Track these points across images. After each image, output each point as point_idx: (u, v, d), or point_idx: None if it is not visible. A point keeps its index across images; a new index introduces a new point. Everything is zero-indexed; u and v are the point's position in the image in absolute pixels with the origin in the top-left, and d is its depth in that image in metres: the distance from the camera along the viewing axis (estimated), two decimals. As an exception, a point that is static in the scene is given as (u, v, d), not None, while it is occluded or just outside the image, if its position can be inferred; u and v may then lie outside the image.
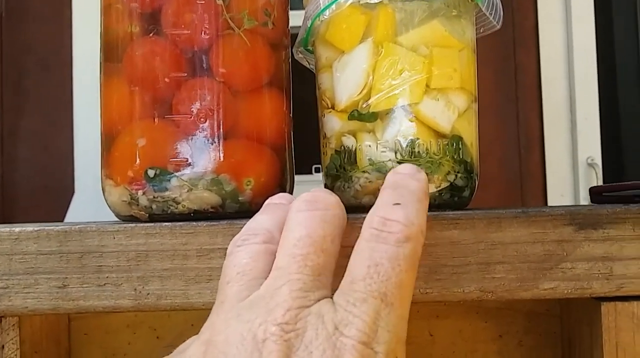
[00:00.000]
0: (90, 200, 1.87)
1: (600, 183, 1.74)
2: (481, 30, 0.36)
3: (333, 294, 0.22)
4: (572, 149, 1.82)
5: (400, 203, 0.24)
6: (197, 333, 0.37)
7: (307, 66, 0.40)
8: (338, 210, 0.24)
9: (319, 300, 0.22)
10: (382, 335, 0.21)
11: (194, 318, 0.36)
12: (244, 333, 0.21)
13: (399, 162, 0.31)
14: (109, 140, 0.32)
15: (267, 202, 0.27)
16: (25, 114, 1.90)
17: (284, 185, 0.34)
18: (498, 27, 0.35)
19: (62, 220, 1.83)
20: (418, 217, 0.24)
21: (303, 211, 0.24)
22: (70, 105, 1.90)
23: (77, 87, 1.89)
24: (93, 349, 0.35)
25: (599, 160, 1.77)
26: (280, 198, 0.28)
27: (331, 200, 0.24)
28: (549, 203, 1.68)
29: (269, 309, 0.21)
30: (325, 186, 0.35)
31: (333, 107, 0.33)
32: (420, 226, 0.24)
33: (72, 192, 1.91)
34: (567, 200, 1.71)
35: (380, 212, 0.24)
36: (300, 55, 0.39)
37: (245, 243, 0.25)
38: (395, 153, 0.31)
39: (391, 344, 0.21)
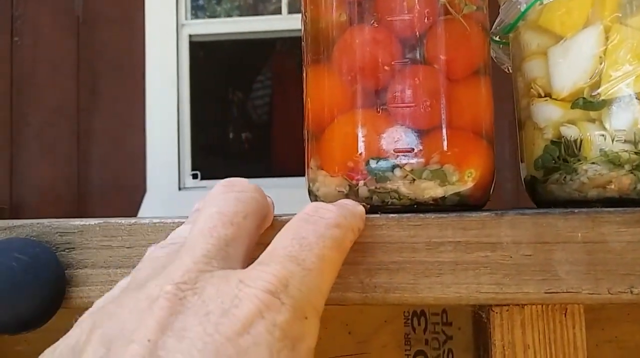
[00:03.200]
0: (162, 199, 1.91)
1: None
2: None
3: None
4: None
5: (337, 206, 0.25)
6: (389, 330, 0.36)
7: (492, 56, 0.38)
8: (256, 194, 0.24)
9: (224, 269, 0.20)
10: (293, 290, 0.19)
11: (387, 314, 0.35)
12: (140, 296, 0.19)
13: (637, 153, 0.29)
14: (319, 130, 0.31)
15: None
16: (99, 114, 1.96)
17: (493, 178, 0.32)
18: None
19: (133, 218, 1.88)
20: (352, 218, 0.24)
21: (218, 193, 0.24)
22: (142, 106, 1.95)
23: (149, 89, 1.94)
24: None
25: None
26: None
27: (247, 184, 0.24)
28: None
29: (168, 273, 0.20)
30: (534, 179, 0.33)
31: (549, 96, 0.32)
32: (351, 225, 0.24)
33: (144, 191, 1.96)
34: None
35: (315, 203, 0.24)
36: (487, 44, 0.37)
37: (164, 249, 0.24)
38: (635, 144, 0.29)
39: (301, 301, 0.20)
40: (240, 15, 2.12)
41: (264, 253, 0.22)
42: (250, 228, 0.23)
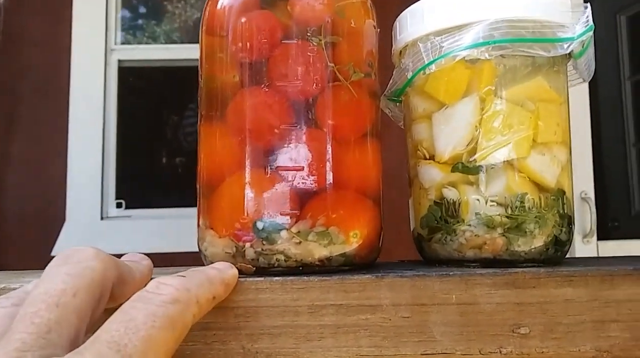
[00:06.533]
0: (81, 230, 1.82)
1: (594, 217, 1.79)
2: (568, 84, 0.36)
3: None
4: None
5: (185, 276, 0.24)
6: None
7: (388, 114, 0.40)
8: (94, 262, 0.23)
9: None
10: None
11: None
12: None
13: (508, 217, 0.31)
14: (210, 190, 0.31)
15: None
16: (17, 140, 1.86)
17: (380, 237, 0.33)
18: (586, 81, 0.36)
19: (51, 249, 1.78)
20: (198, 288, 0.24)
21: (51, 267, 0.23)
22: (65, 131, 1.87)
23: (73, 114, 1.86)
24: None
25: (592, 195, 1.82)
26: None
27: (86, 252, 0.23)
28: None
29: None
30: (421, 237, 0.34)
31: (432, 158, 0.33)
32: (197, 296, 0.23)
33: (63, 221, 1.86)
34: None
35: (160, 278, 0.24)
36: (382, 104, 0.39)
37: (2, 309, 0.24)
38: (506, 208, 0.30)
39: None
40: (180, 38, 2.10)
41: (89, 339, 0.21)
42: (81, 306, 0.22)
